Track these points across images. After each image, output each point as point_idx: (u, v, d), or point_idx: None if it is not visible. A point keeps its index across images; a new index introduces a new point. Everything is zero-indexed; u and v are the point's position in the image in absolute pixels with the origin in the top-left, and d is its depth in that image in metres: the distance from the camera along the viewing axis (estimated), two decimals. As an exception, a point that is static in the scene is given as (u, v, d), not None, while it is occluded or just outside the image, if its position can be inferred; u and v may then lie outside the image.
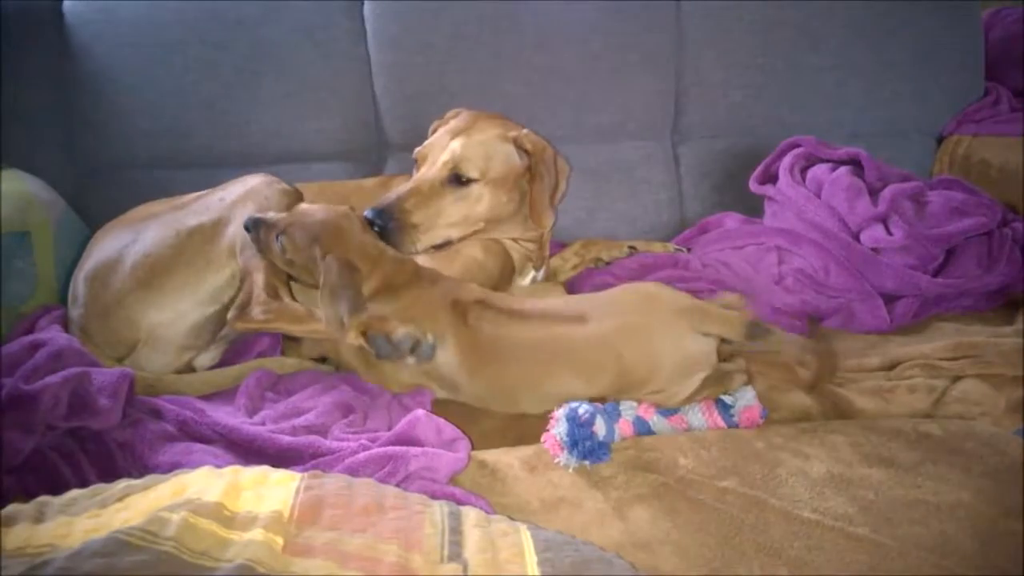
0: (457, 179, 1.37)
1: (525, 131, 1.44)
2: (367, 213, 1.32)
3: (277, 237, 1.24)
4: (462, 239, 1.42)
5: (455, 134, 1.40)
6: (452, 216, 1.38)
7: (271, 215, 1.27)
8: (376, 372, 1.28)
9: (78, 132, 1.77)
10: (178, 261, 1.30)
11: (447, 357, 1.19)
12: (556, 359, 1.13)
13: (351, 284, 1.19)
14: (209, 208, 1.35)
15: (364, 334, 1.18)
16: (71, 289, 1.36)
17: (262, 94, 1.80)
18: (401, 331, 1.16)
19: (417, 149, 1.44)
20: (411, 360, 1.17)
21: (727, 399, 1.11)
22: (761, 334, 1.08)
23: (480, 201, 1.39)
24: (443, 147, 1.39)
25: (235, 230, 1.30)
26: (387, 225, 1.31)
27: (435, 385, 1.23)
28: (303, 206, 1.29)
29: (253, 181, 1.38)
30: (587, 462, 1.00)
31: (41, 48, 1.74)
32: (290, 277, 1.31)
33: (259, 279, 1.26)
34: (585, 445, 0.99)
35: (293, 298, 1.30)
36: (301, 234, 1.23)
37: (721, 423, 1.10)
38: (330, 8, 1.82)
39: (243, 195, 1.35)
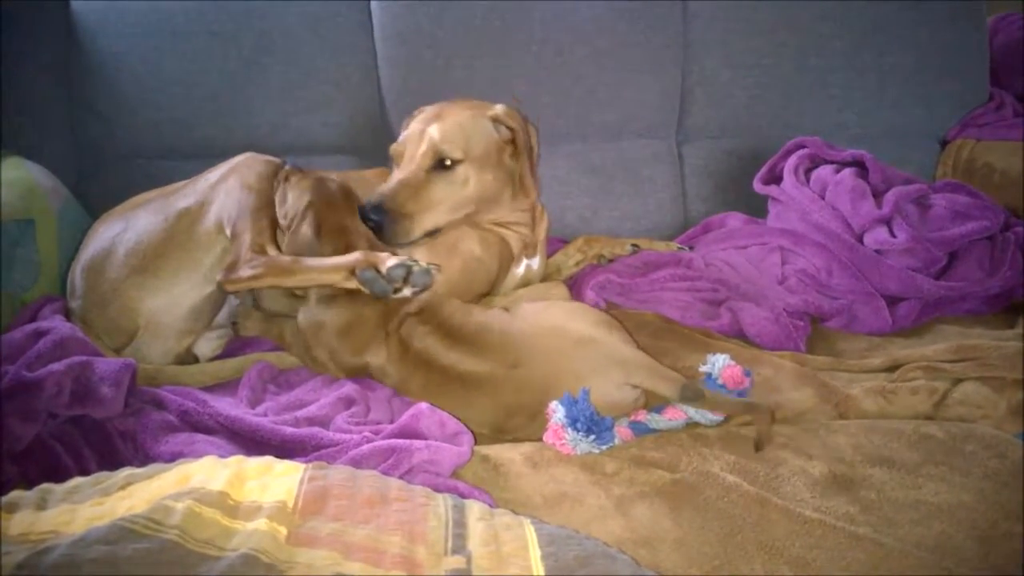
0: (441, 164, 1.36)
1: (500, 107, 1.43)
2: (361, 211, 1.33)
3: (285, 179, 1.32)
4: (453, 224, 1.40)
5: (428, 122, 1.39)
6: (443, 202, 1.37)
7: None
8: (316, 356, 1.29)
9: (82, 121, 1.77)
10: (170, 245, 1.30)
11: (379, 359, 1.22)
12: (472, 392, 1.12)
13: (312, 246, 1.26)
14: (196, 190, 1.36)
15: (353, 272, 1.18)
16: (69, 280, 1.36)
17: (267, 86, 1.80)
18: (392, 261, 1.15)
19: (392, 146, 1.43)
20: (408, 291, 1.15)
21: (705, 368, 1.11)
22: (694, 396, 1.05)
23: (467, 183, 1.38)
24: (419, 137, 1.38)
25: (219, 207, 1.31)
26: (382, 219, 1.31)
27: (377, 377, 1.25)
28: (323, 172, 1.36)
29: (237, 159, 1.39)
30: (594, 439, 1.00)
31: (47, 36, 1.74)
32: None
33: (246, 239, 1.26)
34: (587, 418, 0.99)
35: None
36: (297, 187, 1.31)
37: None
38: (337, 1, 1.82)
39: (226, 172, 1.36)
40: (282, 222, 1.34)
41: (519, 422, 1.09)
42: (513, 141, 1.43)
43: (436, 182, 1.36)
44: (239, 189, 1.31)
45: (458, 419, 1.07)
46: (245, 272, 1.24)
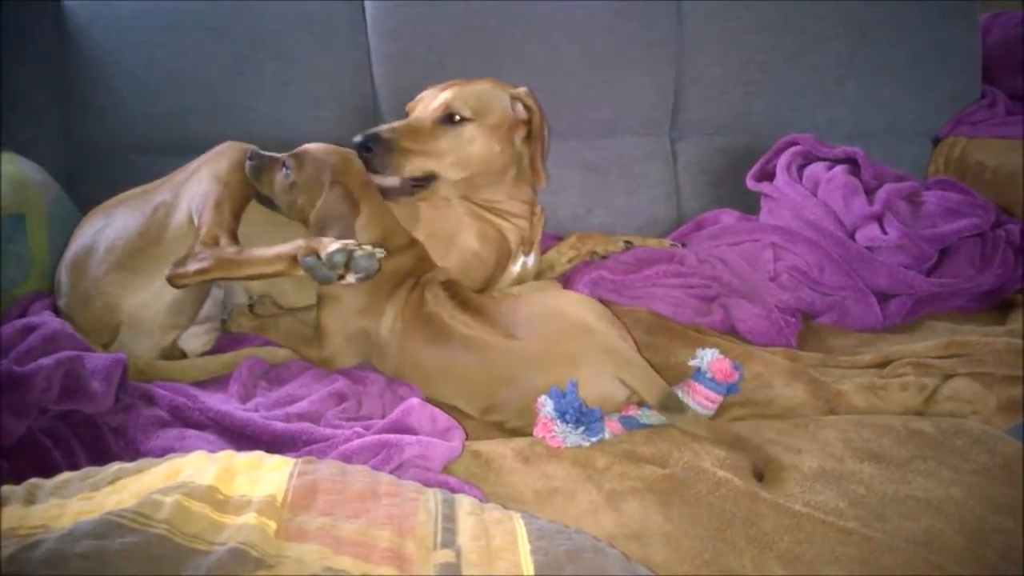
0: (450, 119, 1.36)
1: (523, 88, 1.45)
2: (356, 138, 1.30)
3: (284, 164, 1.25)
4: (447, 181, 1.40)
5: (448, 87, 1.42)
6: (445, 153, 1.36)
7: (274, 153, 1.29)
8: (315, 350, 1.28)
9: (74, 116, 1.76)
10: (146, 240, 1.29)
11: (388, 319, 1.22)
12: (467, 354, 1.13)
13: (346, 216, 1.20)
14: (174, 183, 1.34)
15: (296, 260, 1.16)
16: (55, 278, 1.35)
17: (261, 81, 1.79)
18: (332, 246, 1.13)
19: (409, 104, 1.44)
20: (351, 278, 1.13)
21: (694, 362, 1.11)
22: (676, 407, 1.04)
23: (472, 143, 1.38)
24: (435, 96, 1.40)
25: (190, 198, 1.29)
26: (375, 148, 1.29)
27: (372, 354, 1.26)
28: (311, 145, 1.30)
29: (215, 149, 1.37)
30: (583, 430, 1.00)
31: (39, 30, 1.73)
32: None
33: (201, 232, 1.23)
34: (575, 410, 0.99)
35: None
36: (312, 160, 1.25)
37: (708, 394, 1.09)
38: (331, -3, 1.82)
39: (200, 163, 1.34)
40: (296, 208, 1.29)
41: (506, 397, 1.09)
42: (528, 123, 1.44)
43: (442, 134, 1.37)
44: (208, 180, 1.29)
45: (449, 408, 1.07)
46: (192, 266, 1.21)
